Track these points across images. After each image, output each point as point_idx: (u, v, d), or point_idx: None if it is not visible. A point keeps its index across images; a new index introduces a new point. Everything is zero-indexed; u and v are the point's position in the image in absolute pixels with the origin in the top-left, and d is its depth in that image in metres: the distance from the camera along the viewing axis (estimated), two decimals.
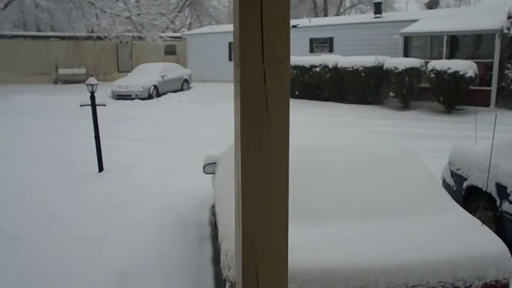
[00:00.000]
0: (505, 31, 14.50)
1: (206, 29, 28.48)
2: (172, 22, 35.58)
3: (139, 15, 24.58)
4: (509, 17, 15.23)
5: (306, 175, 3.22)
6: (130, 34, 26.72)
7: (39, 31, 34.99)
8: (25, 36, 28.24)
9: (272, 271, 1.00)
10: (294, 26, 21.73)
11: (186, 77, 21.51)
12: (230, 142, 5.49)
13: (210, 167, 4.92)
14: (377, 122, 11.95)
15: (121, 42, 26.49)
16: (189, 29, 39.60)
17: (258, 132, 0.93)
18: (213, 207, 5.71)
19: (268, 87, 0.92)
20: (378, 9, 21.07)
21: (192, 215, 5.58)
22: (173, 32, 35.61)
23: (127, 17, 24.31)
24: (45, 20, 32.54)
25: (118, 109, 14.24)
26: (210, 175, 5.28)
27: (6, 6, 22.95)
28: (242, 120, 0.92)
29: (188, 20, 45.50)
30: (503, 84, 14.93)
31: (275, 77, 0.91)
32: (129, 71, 23.22)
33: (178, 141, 9.95)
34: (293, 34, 19.66)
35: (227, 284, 2.94)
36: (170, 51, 28.78)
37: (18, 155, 8.65)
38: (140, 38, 25.82)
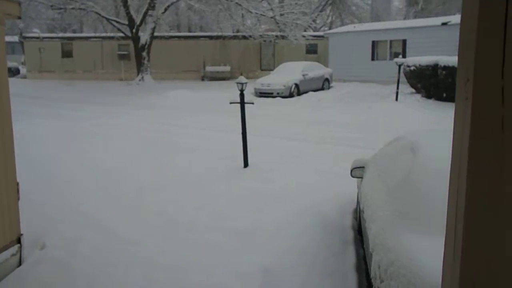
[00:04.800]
0: None
1: (348, 27, 28.04)
2: (314, 21, 35.70)
3: (282, 15, 25.08)
4: None
5: None
6: (273, 33, 27.44)
7: (190, 31, 37.78)
8: (179, 37, 30.69)
9: None
10: (444, 24, 20.37)
11: (327, 76, 21.42)
12: (377, 146, 5.32)
13: (358, 171, 4.80)
14: None
15: (264, 41, 27.34)
16: (330, 28, 39.44)
17: (489, 158, 0.82)
18: (356, 211, 5.58)
19: (507, 106, 0.80)
20: None
21: (333, 217, 5.50)
22: (315, 31, 35.72)
23: (271, 17, 24.96)
24: (196, 21, 34.98)
25: (261, 106, 14.68)
26: (355, 179, 5.17)
27: (165, 10, 25.17)
28: (471, 142, 0.82)
29: (330, 18, 45.34)
30: None
31: None
32: (271, 70, 23.88)
33: (319, 141, 9.93)
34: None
35: None
36: (311, 50, 28.94)
37: (172, 146, 9.38)
38: (282, 37, 26.38)
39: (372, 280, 3.02)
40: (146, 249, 4.59)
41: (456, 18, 21.92)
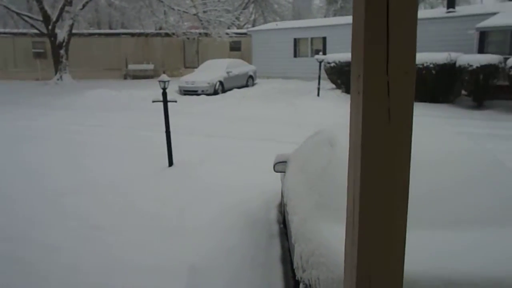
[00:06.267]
0: None
1: (271, 25, 28.48)
2: (237, 18, 35.85)
3: (205, 12, 25.00)
4: None
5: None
6: (197, 30, 27.24)
7: (111, 28, 36.53)
8: (99, 34, 29.57)
9: None
10: None
11: (251, 73, 21.66)
12: (300, 141, 5.47)
13: (280, 165, 4.91)
14: (451, 121, 11.46)
15: (188, 38, 27.06)
16: (253, 25, 39.82)
17: (379, 145, 0.89)
18: (280, 205, 5.71)
19: (392, 99, 0.88)
20: (451, 2, 20.06)
21: (259, 212, 5.59)
22: (238, 28, 35.90)
23: (194, 14, 24.81)
24: (116, 18, 33.82)
25: (185, 104, 14.58)
26: (279, 174, 5.28)
27: (84, 6, 24.14)
28: (363, 133, 0.89)
29: (253, 16, 45.74)
30: None
31: (399, 89, 0.88)
32: (196, 67, 23.72)
33: (243, 137, 10.03)
34: None
35: (301, 286, 2.92)
36: (235, 47, 29.06)
37: (94, 147, 9.07)
38: (206, 34, 26.27)
39: (296, 271, 3.11)
40: (66, 254, 4.42)
41: None
